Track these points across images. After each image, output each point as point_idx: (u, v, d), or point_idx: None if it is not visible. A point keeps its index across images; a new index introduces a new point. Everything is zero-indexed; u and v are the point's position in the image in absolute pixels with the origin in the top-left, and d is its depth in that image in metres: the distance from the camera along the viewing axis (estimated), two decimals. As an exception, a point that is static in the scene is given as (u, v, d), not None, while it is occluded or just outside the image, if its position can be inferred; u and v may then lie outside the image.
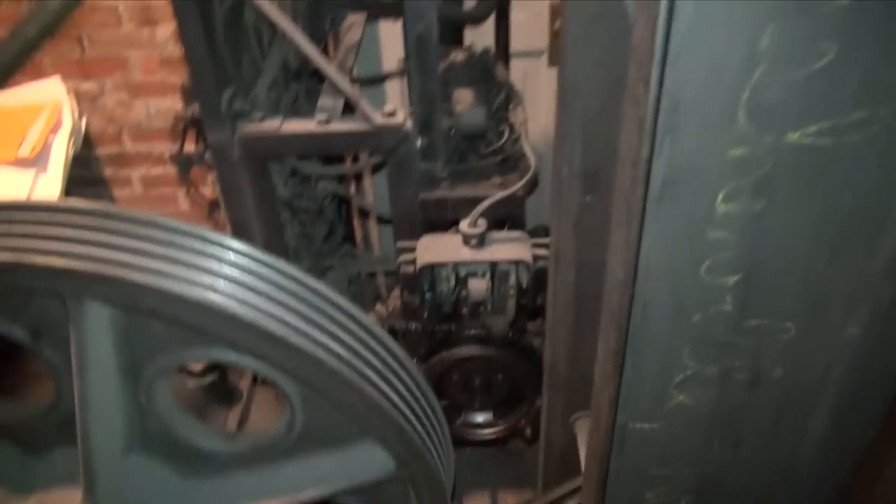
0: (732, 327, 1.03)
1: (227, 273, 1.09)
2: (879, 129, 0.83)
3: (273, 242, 1.96)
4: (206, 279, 1.05)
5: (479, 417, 2.38)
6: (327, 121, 1.79)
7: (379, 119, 1.78)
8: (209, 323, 1.05)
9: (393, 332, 2.20)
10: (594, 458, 1.16)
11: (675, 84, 0.80)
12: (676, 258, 0.97)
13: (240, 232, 1.93)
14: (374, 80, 3.01)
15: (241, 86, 1.82)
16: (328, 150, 1.79)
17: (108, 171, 3.71)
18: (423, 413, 1.27)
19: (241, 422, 1.86)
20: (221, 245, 1.11)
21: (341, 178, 2.17)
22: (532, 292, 1.91)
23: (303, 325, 1.10)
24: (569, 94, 1.30)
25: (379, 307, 2.31)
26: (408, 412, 1.20)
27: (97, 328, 1.08)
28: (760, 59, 0.79)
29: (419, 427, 1.23)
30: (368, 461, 1.25)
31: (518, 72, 2.84)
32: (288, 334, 1.06)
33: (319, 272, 2.37)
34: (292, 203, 2.02)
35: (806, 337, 1.01)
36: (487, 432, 2.40)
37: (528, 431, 2.36)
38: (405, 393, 1.22)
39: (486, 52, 2.27)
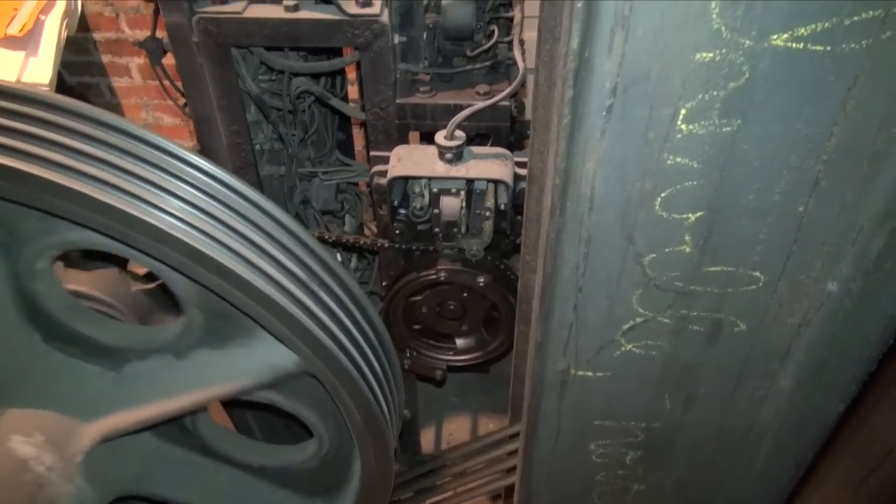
0: (690, 272, 0.87)
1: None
2: (893, 36, 0.65)
3: (238, 142, 1.81)
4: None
5: (457, 342, 2.28)
6: (295, 7, 1.61)
7: (352, 8, 1.59)
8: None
9: (367, 249, 2.08)
10: (526, 401, 1.05)
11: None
12: (627, 187, 0.81)
13: (202, 128, 1.79)
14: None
15: (202, -37, 1.63)
16: (295, 41, 1.62)
17: (105, 58, 3.57)
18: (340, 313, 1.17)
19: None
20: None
21: (317, 76, 1.99)
22: (512, 215, 1.75)
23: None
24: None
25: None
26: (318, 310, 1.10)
27: None
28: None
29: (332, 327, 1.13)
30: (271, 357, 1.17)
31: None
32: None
33: (300, 179, 2.24)
34: (262, 100, 1.86)
35: (776, 290, 0.85)
36: (465, 358, 2.31)
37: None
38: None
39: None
